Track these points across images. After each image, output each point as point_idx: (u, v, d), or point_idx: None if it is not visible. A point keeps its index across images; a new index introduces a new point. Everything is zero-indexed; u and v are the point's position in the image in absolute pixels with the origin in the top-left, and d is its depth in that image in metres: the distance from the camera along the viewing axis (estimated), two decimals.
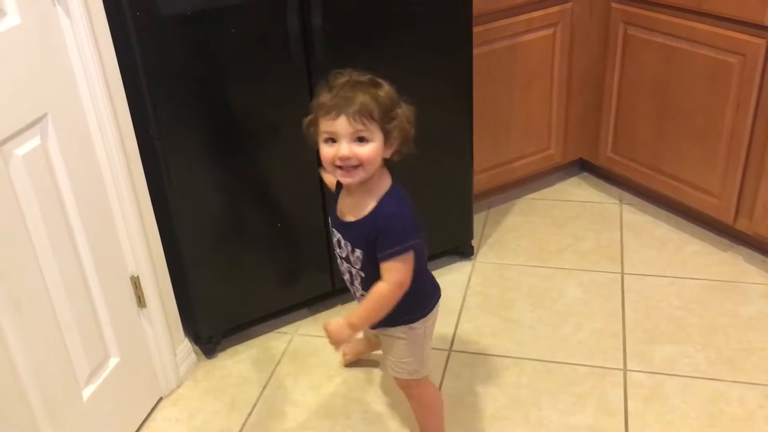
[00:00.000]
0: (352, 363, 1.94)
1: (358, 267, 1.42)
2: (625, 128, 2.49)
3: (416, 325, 1.49)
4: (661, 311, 2.08)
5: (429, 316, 1.51)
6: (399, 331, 1.49)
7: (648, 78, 2.34)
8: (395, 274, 1.34)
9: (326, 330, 1.42)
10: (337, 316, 1.97)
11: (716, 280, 2.20)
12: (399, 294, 1.36)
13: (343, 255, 1.45)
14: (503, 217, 2.59)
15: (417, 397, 1.62)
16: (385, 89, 1.32)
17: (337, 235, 1.45)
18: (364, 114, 1.28)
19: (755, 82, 2.04)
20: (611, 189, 2.70)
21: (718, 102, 2.15)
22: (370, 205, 1.36)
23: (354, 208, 1.39)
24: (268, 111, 1.80)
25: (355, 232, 1.39)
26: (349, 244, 1.41)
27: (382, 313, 1.40)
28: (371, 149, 1.30)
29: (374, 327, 1.50)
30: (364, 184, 1.36)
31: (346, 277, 1.49)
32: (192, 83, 1.69)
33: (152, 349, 1.84)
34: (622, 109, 2.47)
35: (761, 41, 1.99)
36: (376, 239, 1.34)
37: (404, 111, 1.33)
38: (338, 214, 1.44)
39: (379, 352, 1.78)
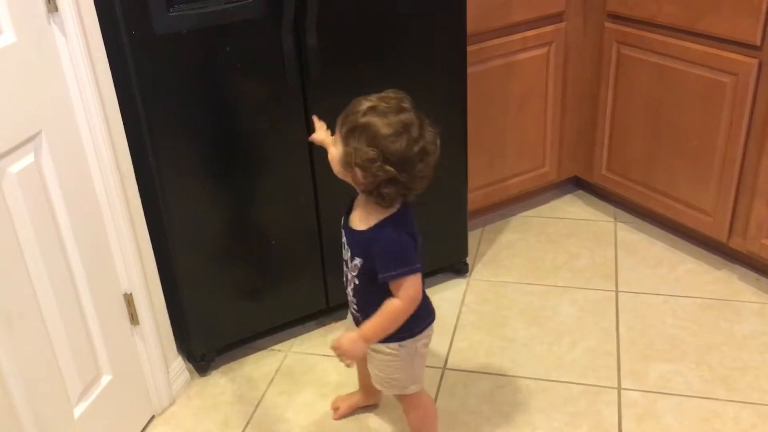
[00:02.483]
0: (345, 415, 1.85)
1: (354, 273, 1.45)
2: (619, 146, 2.50)
3: (406, 343, 1.49)
4: (656, 329, 2.08)
5: (420, 336, 1.51)
6: (389, 347, 1.49)
7: (642, 97, 2.35)
8: (407, 290, 1.37)
9: (339, 344, 1.41)
10: (333, 334, 1.99)
11: (710, 298, 2.20)
12: (411, 309, 1.39)
13: (345, 257, 1.48)
14: (498, 234, 2.60)
15: (410, 408, 1.63)
16: (374, 119, 1.27)
17: (344, 237, 1.47)
18: (339, 118, 1.33)
19: (747, 101, 2.05)
20: (606, 207, 2.71)
21: (711, 121, 2.16)
22: (372, 222, 1.39)
23: (359, 218, 1.42)
24: (262, 129, 1.81)
25: (355, 240, 1.42)
26: (349, 250, 1.45)
27: (395, 327, 1.42)
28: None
29: None
30: (368, 202, 1.39)
31: (345, 278, 1.51)
32: (187, 101, 1.69)
33: (145, 366, 1.83)
34: (616, 128, 2.49)
35: (753, 61, 2.01)
36: (375, 259, 1.37)
37: (359, 148, 1.28)
38: (350, 217, 1.46)
39: (373, 403, 1.85)
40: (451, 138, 2.12)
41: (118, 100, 1.64)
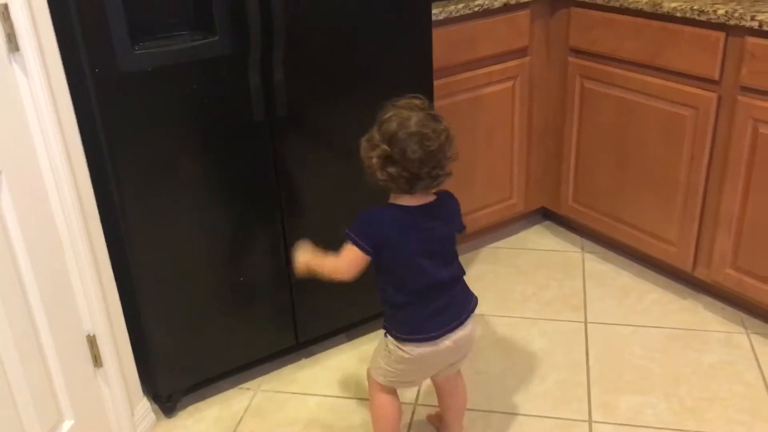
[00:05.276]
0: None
1: None
2: (585, 178, 2.53)
3: (387, 338, 1.60)
4: (625, 361, 2.09)
5: (397, 341, 1.57)
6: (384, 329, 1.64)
7: (606, 129, 2.39)
8: (343, 254, 1.52)
9: (299, 252, 1.59)
10: (302, 372, 1.95)
11: (678, 328, 2.22)
12: (339, 271, 1.53)
13: None
14: (468, 266, 2.60)
15: (369, 392, 1.72)
16: (388, 120, 1.44)
17: None
18: None
19: (708, 134, 2.10)
20: (573, 237, 2.73)
21: (673, 153, 2.20)
22: None
23: None
24: (229, 166, 1.80)
25: None
26: None
27: (325, 275, 1.56)
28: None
29: None
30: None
31: None
32: (153, 139, 1.67)
33: (109, 409, 1.78)
34: (581, 160, 2.52)
35: (712, 95, 2.06)
36: None
37: (364, 144, 1.47)
38: None
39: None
40: None
41: (82, 138, 1.62)
